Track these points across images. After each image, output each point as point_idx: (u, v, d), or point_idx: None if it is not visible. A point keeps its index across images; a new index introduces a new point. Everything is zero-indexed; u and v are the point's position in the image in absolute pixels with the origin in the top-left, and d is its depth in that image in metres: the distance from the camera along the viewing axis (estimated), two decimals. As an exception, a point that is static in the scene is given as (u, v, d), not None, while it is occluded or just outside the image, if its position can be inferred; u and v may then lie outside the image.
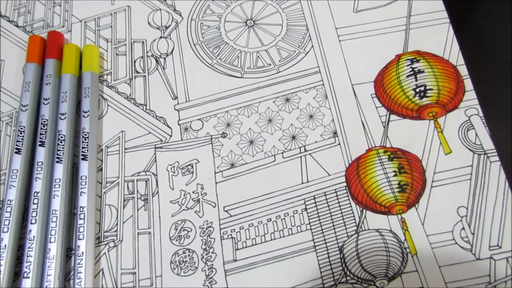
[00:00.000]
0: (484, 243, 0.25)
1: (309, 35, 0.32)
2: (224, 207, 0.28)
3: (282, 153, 0.29)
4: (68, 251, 0.28)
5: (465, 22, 0.31)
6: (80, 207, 0.27)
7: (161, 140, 0.30)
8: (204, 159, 0.29)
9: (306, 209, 0.27)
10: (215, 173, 0.29)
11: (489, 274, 0.25)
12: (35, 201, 0.27)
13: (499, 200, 0.26)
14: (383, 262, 0.25)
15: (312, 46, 0.31)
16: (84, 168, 0.28)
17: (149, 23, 0.34)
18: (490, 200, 0.26)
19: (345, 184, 0.28)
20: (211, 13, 0.34)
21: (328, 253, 0.26)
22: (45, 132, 0.29)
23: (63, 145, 0.29)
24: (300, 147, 0.29)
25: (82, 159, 0.28)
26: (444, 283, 0.25)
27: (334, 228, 0.27)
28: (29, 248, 0.26)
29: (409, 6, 0.31)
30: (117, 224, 0.28)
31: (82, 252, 0.26)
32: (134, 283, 0.27)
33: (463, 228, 0.26)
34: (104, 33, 0.34)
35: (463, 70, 0.29)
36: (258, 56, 0.32)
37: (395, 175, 0.27)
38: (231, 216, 0.28)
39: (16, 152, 0.28)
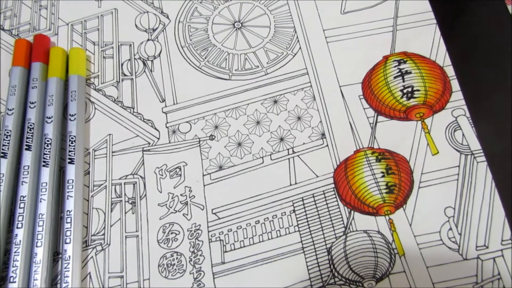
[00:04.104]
0: (471, 243, 0.25)
1: (297, 37, 0.32)
2: (212, 209, 0.28)
3: (270, 155, 0.29)
4: (55, 255, 0.27)
5: (452, 23, 0.31)
6: (67, 211, 0.27)
7: (149, 143, 0.30)
8: (192, 161, 0.29)
9: (294, 210, 0.27)
10: (203, 175, 0.29)
11: (476, 274, 0.25)
12: (22, 205, 0.27)
13: (486, 201, 0.26)
14: (371, 263, 0.25)
15: (300, 47, 0.31)
16: (71, 171, 0.28)
17: (136, 25, 0.34)
18: (477, 201, 0.26)
19: (333, 185, 0.28)
20: (198, 15, 0.33)
21: (316, 255, 0.26)
22: (32, 135, 0.29)
23: (50, 148, 0.28)
24: (288, 149, 0.29)
25: (69, 162, 0.28)
26: (432, 284, 0.25)
27: (322, 230, 0.27)
28: (15, 252, 0.26)
29: (396, 7, 0.32)
30: (104, 227, 0.28)
31: (69, 256, 0.26)
32: (122, 286, 0.27)
33: (451, 229, 0.26)
34: (91, 36, 0.34)
35: (450, 71, 0.29)
36: (246, 58, 0.32)
37: (383, 176, 0.27)
38: (219, 218, 0.28)
39: (2, 156, 0.28)
